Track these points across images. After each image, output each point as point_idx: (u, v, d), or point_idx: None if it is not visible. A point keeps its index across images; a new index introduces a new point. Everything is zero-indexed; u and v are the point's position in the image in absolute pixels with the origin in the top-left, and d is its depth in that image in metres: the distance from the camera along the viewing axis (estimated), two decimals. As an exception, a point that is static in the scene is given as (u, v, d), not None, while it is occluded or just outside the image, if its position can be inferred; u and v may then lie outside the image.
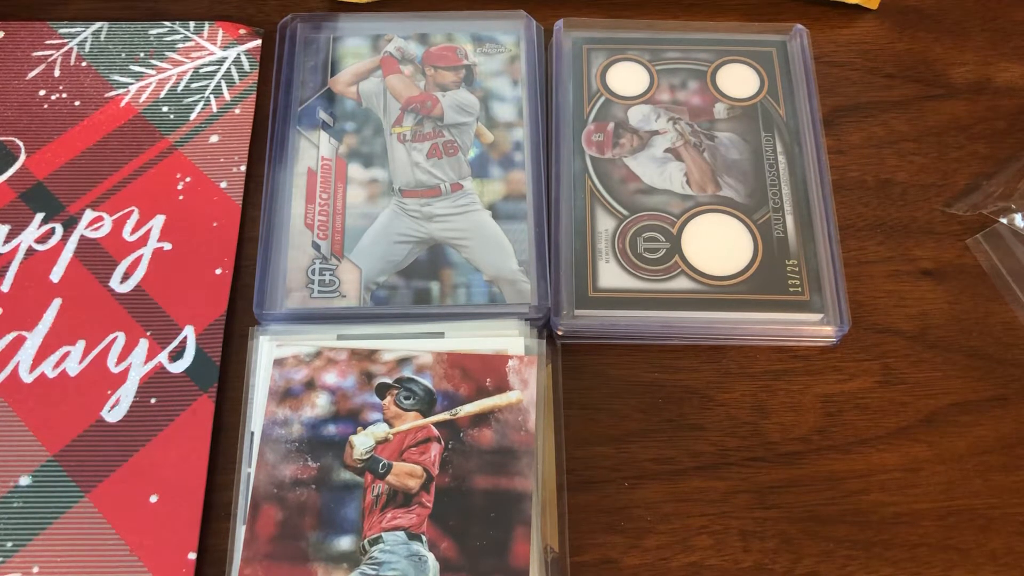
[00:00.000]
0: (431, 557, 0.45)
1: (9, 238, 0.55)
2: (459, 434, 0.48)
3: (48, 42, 0.62)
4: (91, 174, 0.57)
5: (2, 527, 0.47)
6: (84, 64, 0.61)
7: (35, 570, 0.46)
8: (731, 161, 0.57)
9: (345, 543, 0.46)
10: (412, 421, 0.49)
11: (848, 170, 0.59)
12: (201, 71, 0.61)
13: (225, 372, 0.52)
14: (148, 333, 0.52)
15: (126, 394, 0.51)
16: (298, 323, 0.52)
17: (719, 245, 0.54)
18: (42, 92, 0.60)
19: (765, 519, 0.49)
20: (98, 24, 0.63)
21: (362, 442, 0.48)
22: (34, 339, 0.52)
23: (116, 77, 0.61)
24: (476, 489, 0.47)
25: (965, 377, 0.52)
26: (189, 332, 0.52)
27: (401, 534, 0.46)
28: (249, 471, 0.48)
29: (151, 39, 0.62)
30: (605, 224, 0.55)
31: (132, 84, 0.61)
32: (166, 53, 0.62)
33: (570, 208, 0.55)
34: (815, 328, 0.52)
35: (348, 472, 0.47)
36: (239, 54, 0.62)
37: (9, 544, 0.47)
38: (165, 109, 0.60)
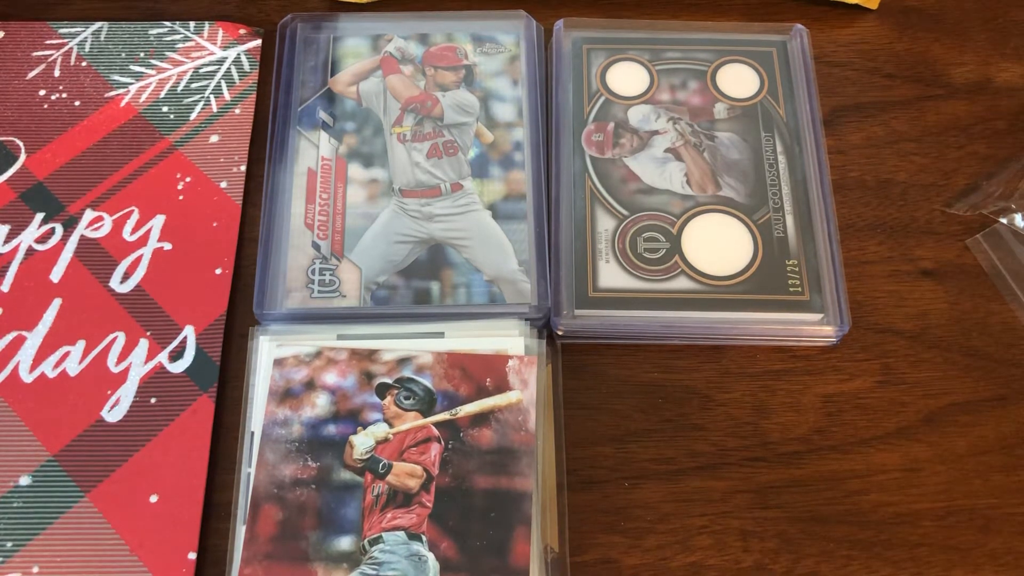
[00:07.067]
0: (431, 557, 0.45)
1: (9, 238, 0.55)
2: (459, 434, 0.48)
3: (48, 42, 0.62)
4: (91, 174, 0.57)
5: (2, 527, 0.47)
6: (84, 64, 0.61)
7: (35, 570, 0.46)
8: (731, 161, 0.57)
9: (345, 543, 0.46)
10: (412, 421, 0.49)
11: (848, 170, 0.59)
12: (201, 71, 0.61)
13: (225, 372, 0.52)
14: (148, 333, 0.52)
15: (126, 394, 0.51)
16: (298, 323, 0.52)
17: (719, 245, 0.54)
18: (42, 92, 0.60)
19: (765, 519, 0.49)
20: (98, 24, 0.63)
21: (362, 442, 0.48)
22: (34, 339, 0.52)
23: (116, 77, 0.61)
24: (476, 489, 0.47)
25: (965, 377, 0.52)
26: (189, 332, 0.52)
27: (401, 534, 0.46)
28: (249, 471, 0.48)
29: (151, 39, 0.62)
30: (605, 224, 0.55)
31: (132, 84, 0.61)
32: (166, 53, 0.62)
33: (570, 208, 0.55)
34: (815, 328, 0.52)
35: (348, 472, 0.47)
36: (239, 54, 0.62)
37: (9, 544, 0.47)
38: (165, 109, 0.60)
